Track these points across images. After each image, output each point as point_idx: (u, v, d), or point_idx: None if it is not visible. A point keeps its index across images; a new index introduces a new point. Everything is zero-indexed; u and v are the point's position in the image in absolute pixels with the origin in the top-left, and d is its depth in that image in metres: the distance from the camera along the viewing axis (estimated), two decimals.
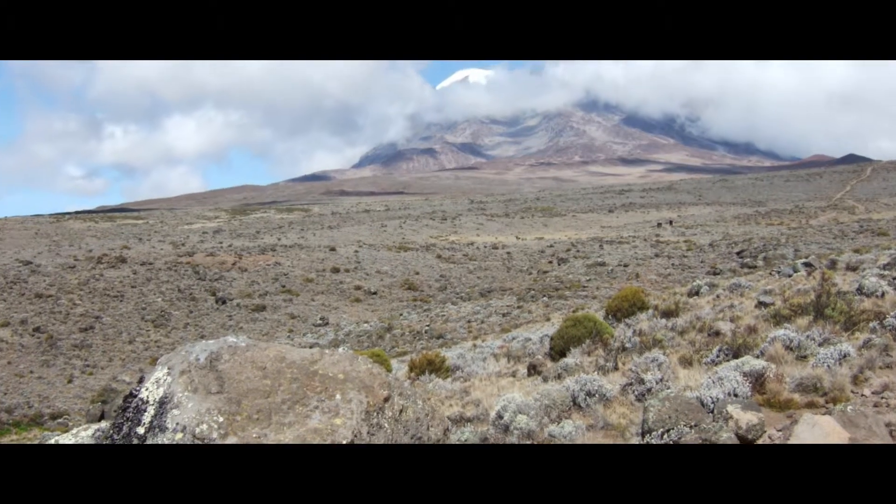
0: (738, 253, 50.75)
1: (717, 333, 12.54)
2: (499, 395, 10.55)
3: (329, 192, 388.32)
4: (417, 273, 55.04)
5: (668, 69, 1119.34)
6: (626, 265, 50.66)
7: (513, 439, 7.75)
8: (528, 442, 7.63)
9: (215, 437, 5.37)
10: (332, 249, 62.34)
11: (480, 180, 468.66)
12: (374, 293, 49.86)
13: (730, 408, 6.94)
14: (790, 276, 21.57)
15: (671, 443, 6.46)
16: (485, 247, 64.68)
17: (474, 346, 25.49)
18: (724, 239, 59.40)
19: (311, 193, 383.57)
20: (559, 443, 7.39)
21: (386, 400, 6.07)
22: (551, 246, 63.37)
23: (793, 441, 6.04)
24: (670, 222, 77.34)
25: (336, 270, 54.84)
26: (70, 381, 33.03)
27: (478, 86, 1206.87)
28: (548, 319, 32.30)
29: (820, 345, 9.69)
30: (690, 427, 6.68)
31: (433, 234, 77.76)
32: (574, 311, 27.25)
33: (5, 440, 25.18)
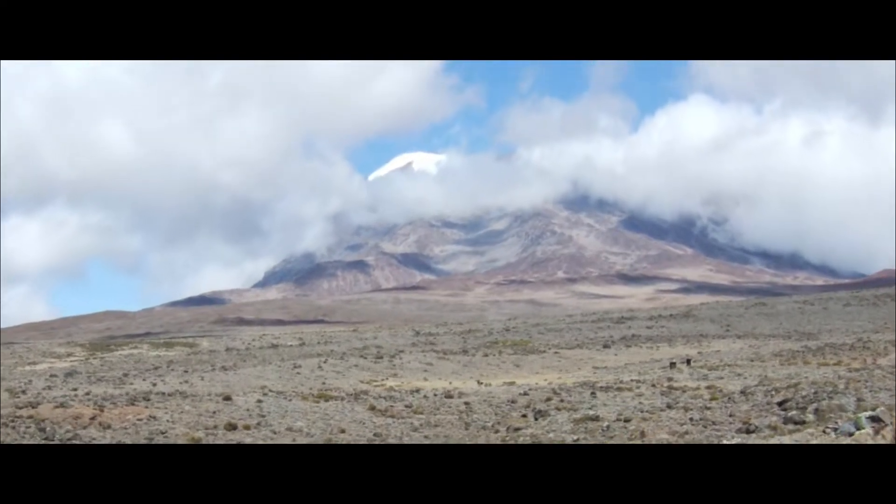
0: (779, 403, 51.20)
1: None
2: None
3: (223, 320, 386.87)
4: (343, 431, 54.90)
5: (684, 155, 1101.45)
6: (627, 420, 50.86)
7: None
8: None
9: None
10: (227, 399, 62.10)
11: (429, 304, 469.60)
12: None
13: None
14: (851, 434, 21.96)
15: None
16: (435, 395, 64.72)
17: None
18: (760, 384, 59.87)
19: (198, 322, 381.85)
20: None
21: None
22: (525, 394, 63.55)
23: None
24: (688, 361, 77.78)
25: (232, 427, 54.57)
26: None
27: (425, 175, 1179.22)
28: None
29: None
30: None
31: (364, 378, 77.67)
32: None
33: None
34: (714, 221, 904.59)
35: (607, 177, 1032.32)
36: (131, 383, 75.01)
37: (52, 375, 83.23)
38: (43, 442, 31.48)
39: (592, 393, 60.97)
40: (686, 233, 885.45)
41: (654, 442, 44.78)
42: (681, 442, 44.19)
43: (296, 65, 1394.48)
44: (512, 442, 49.05)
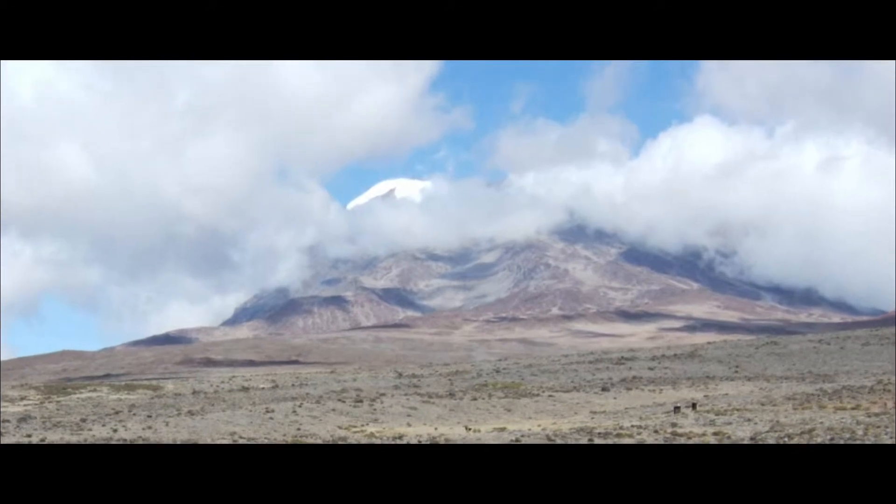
0: None
1: None
2: None
3: (189, 360, 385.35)
4: None
5: (689, 181, 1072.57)
6: None
7: None
8: None
9: None
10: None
11: (413, 343, 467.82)
12: None
13: None
14: None
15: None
16: (419, 442, 64.68)
17: None
18: (772, 430, 59.91)
19: (162, 363, 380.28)
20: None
21: None
22: (517, 440, 63.60)
23: None
24: (693, 406, 77.69)
25: None
26: None
27: (408, 203, 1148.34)
28: None
29: None
30: None
31: (343, 424, 77.49)
32: None
33: None
34: (721, 254, 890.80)
35: (606, 205, 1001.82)
36: (90, 429, 74.64)
37: (3, 421, 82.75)
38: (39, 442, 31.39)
39: (590, 439, 60.96)
40: (691, 266, 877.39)
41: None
42: None
43: (268, 84, 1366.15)
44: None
